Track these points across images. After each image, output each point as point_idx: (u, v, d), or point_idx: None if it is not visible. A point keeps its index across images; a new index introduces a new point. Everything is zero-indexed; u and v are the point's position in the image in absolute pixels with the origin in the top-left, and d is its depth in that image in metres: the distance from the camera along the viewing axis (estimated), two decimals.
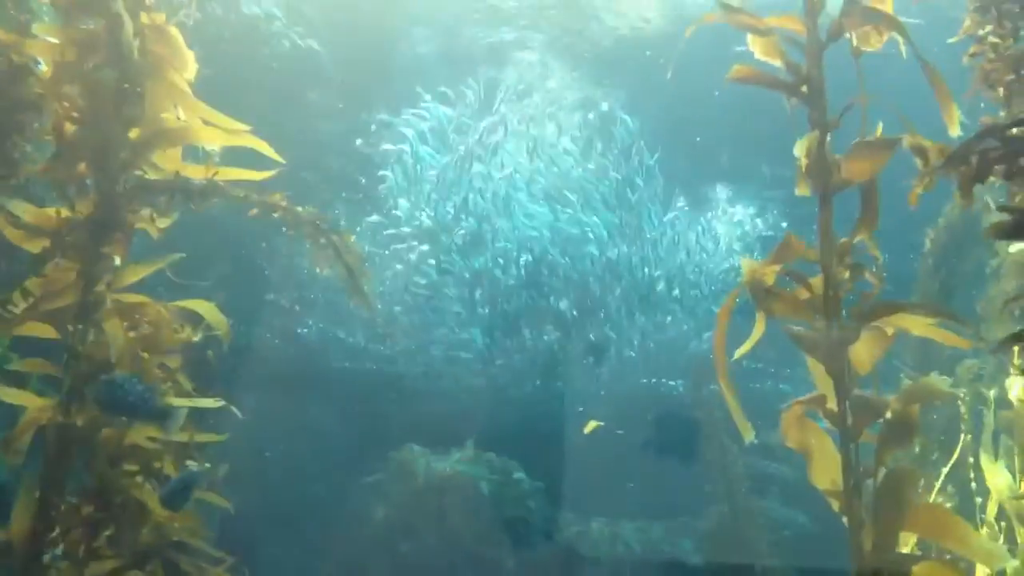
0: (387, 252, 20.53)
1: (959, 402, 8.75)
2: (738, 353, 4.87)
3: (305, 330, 20.97)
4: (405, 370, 22.27)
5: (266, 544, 16.33)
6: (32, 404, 6.03)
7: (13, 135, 6.15)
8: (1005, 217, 3.96)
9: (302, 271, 19.20)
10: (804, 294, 4.30)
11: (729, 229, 21.37)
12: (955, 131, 4.28)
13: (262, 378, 17.42)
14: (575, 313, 22.35)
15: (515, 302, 21.97)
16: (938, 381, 4.23)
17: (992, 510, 7.29)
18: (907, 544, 5.01)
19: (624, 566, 17.86)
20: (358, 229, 19.98)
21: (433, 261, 20.92)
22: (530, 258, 21.31)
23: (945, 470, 8.38)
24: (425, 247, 20.68)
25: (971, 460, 8.70)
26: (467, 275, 21.36)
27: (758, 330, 4.68)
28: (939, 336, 4.38)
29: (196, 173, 6.30)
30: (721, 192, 20.76)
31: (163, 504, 6.13)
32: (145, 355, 6.25)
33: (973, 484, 8.28)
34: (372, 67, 18.27)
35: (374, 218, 20.17)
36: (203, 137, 6.39)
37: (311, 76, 17.88)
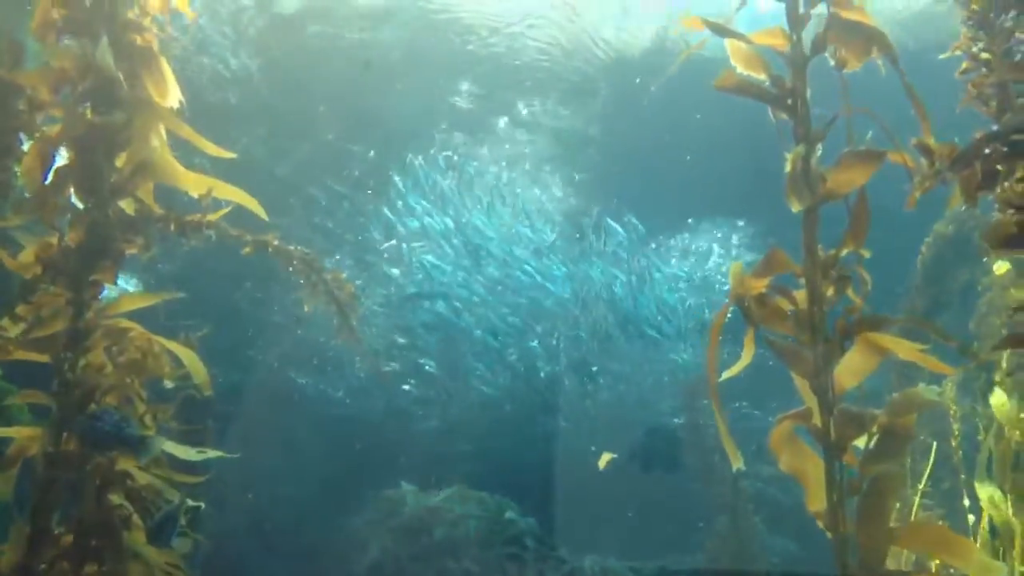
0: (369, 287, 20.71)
1: (950, 416, 8.80)
2: (730, 373, 4.93)
3: (295, 373, 20.99)
4: (394, 407, 22.29)
5: (252, 557, 16.33)
6: (20, 434, 6.12)
7: (3, 159, 6.25)
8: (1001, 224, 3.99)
9: (291, 313, 19.30)
10: (788, 306, 4.35)
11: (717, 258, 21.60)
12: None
13: (251, 418, 17.49)
14: (565, 348, 22.46)
15: (502, 338, 22.09)
16: (926, 391, 4.26)
17: (984, 527, 7.35)
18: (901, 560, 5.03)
19: None
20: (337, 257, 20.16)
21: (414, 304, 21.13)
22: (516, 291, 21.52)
23: (920, 486, 8.40)
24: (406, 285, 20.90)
25: (963, 477, 8.74)
26: (453, 312, 21.53)
27: (748, 351, 4.72)
28: (920, 359, 4.39)
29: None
30: (708, 221, 21.00)
31: (149, 540, 6.23)
32: (130, 381, 6.37)
33: (966, 501, 8.32)
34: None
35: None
36: (188, 182, 6.50)
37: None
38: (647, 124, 18.15)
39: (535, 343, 22.46)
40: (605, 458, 16.02)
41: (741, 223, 21.19)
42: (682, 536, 18.13)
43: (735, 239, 21.69)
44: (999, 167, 4.00)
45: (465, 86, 18.90)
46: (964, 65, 4.87)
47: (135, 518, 6.27)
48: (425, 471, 18.89)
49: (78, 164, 6.28)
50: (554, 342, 22.51)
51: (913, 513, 8.41)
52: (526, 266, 21.29)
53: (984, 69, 4.77)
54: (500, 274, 21.33)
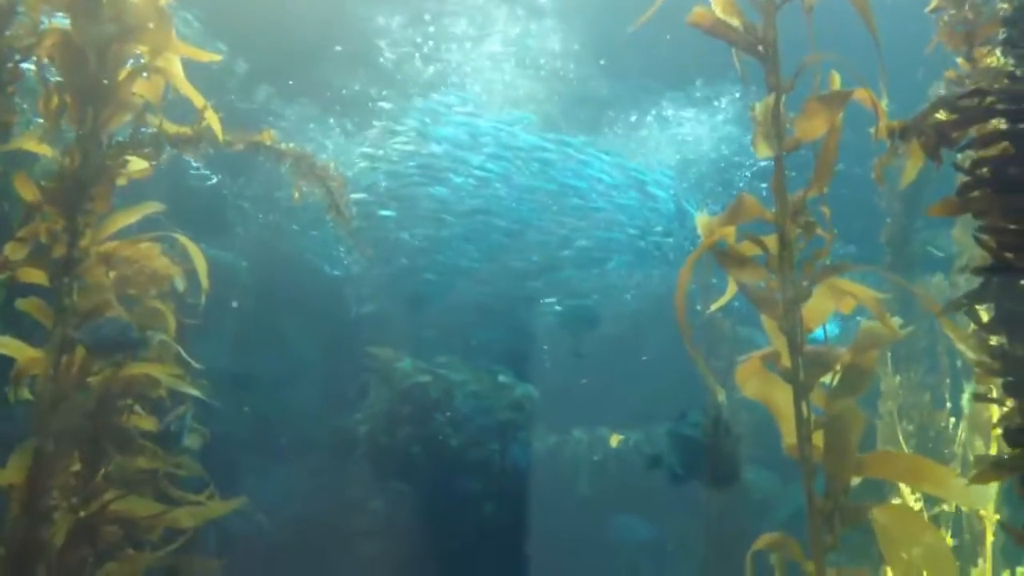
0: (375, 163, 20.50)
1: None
2: (714, 307, 5.03)
3: (286, 247, 20.76)
4: (390, 285, 22.24)
5: (248, 455, 16.46)
6: (23, 355, 6.21)
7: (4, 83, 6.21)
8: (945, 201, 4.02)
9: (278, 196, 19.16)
10: (756, 251, 4.39)
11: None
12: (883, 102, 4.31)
13: (240, 298, 17.48)
14: (563, 230, 22.33)
15: (501, 219, 21.99)
16: (884, 327, 4.32)
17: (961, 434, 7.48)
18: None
19: (605, 469, 18.12)
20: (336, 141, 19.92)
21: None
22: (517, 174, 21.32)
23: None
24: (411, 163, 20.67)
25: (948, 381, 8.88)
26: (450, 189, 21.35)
27: (731, 289, 4.81)
28: (874, 307, 4.43)
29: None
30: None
31: (159, 443, 6.42)
32: (133, 292, 6.50)
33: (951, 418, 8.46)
34: None
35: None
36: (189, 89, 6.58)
37: None
38: None
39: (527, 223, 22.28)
40: (615, 439, 16.31)
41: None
42: (670, 408, 18.32)
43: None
44: (952, 134, 4.01)
45: None
46: (934, 2, 4.84)
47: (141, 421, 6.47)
48: (412, 344, 18.92)
49: (68, 83, 6.27)
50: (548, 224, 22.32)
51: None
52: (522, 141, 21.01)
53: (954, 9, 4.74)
54: (493, 152, 21.07)
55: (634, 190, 22.10)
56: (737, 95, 19.36)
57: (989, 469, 3.79)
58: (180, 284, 6.79)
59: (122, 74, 6.41)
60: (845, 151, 4.73)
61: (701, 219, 4.51)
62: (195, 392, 6.64)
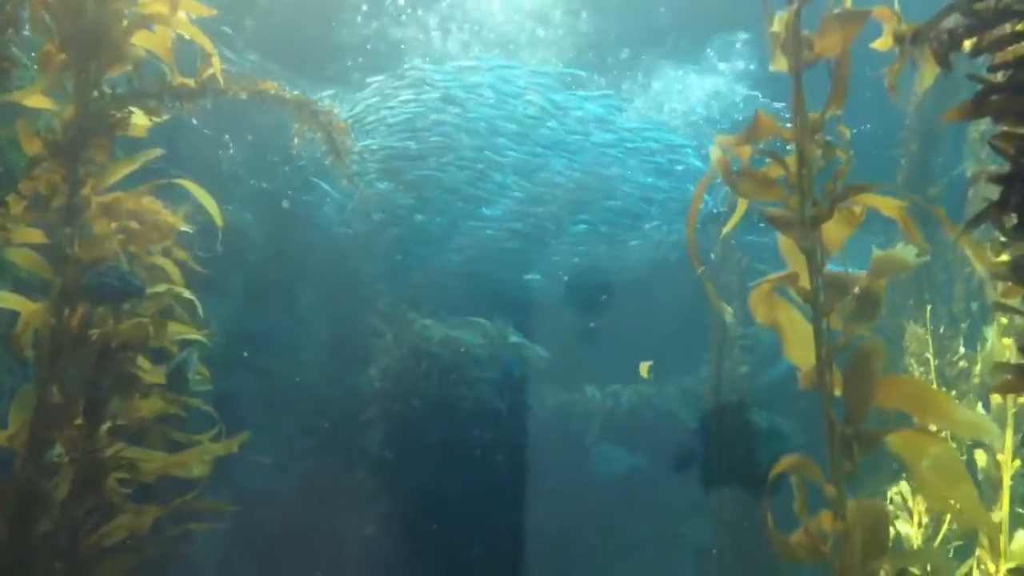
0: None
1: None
2: (725, 230, 4.98)
3: (299, 201, 20.49)
4: (399, 242, 22.05)
5: (258, 413, 16.35)
6: (26, 308, 6.15)
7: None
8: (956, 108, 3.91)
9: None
10: (777, 172, 4.31)
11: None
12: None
13: (250, 254, 17.38)
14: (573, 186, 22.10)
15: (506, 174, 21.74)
16: (905, 251, 4.25)
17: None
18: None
19: (616, 421, 18.22)
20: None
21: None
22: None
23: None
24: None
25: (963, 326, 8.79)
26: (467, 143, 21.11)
27: (741, 208, 4.75)
28: (901, 218, 4.33)
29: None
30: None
31: (167, 385, 6.42)
32: (133, 249, 6.45)
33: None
34: None
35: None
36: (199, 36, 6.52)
37: None
38: None
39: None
40: (645, 366, 16.29)
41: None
42: (680, 362, 18.34)
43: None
44: (964, 40, 3.91)
45: None
46: None
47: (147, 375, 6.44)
48: (423, 302, 18.86)
49: (64, 28, 6.19)
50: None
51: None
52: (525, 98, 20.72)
53: None
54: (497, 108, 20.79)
55: (655, 149, 21.92)
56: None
57: (1011, 376, 3.72)
58: (189, 227, 6.75)
59: (122, 21, 6.31)
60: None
61: (715, 151, 4.43)
62: (201, 339, 6.63)
